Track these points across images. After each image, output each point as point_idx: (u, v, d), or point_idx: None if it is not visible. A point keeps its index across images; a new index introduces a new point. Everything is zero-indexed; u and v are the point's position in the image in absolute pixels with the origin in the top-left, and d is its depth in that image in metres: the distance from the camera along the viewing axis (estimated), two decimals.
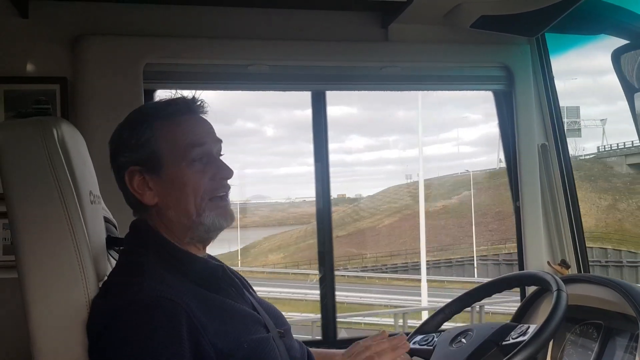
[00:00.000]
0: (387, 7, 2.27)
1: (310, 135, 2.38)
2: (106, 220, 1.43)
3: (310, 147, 2.42)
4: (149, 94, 2.15)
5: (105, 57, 2.07)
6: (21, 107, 2.04)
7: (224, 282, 1.25)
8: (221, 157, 1.29)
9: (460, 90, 2.59)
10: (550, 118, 2.44)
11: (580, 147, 31.80)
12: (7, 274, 1.94)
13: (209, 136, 1.26)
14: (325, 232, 2.46)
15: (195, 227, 1.22)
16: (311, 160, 2.40)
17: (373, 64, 2.34)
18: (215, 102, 1.42)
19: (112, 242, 1.40)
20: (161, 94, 2.21)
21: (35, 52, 2.08)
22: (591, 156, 32.85)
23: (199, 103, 1.28)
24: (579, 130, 32.51)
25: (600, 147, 32.95)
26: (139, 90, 2.08)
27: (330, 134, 2.39)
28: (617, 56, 1.96)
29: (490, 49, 2.40)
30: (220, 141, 1.29)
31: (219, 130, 1.32)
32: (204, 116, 1.29)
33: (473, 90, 2.60)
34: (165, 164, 1.21)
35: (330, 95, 2.41)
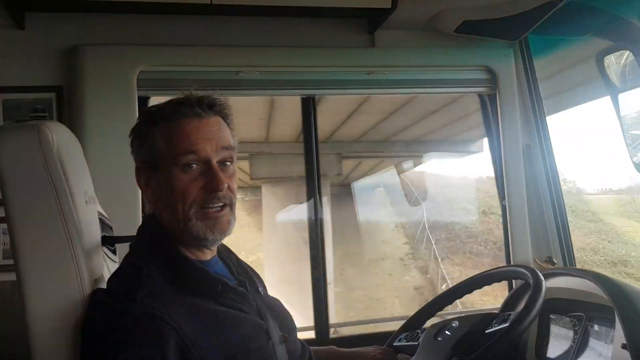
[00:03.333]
0: (373, 14, 2.33)
1: None
2: (101, 220, 1.47)
3: None
4: (143, 100, 2.20)
5: (100, 65, 2.13)
6: (18, 115, 2.09)
7: (225, 292, 1.20)
8: (229, 166, 1.22)
9: (446, 93, 2.65)
10: (534, 119, 2.50)
11: None
12: (7, 276, 1.99)
13: (208, 143, 1.18)
14: (317, 237, 2.49)
15: (183, 234, 1.20)
16: None
17: (361, 69, 2.40)
18: None
19: (106, 241, 1.45)
20: (155, 101, 2.28)
21: (31, 62, 2.13)
22: None
23: (206, 103, 1.21)
24: None
25: None
26: (133, 97, 2.13)
27: None
28: (601, 58, 2.02)
29: (474, 53, 2.47)
30: (227, 148, 1.21)
31: None
32: (216, 118, 1.22)
33: (458, 93, 2.67)
34: (161, 166, 1.19)
35: None
